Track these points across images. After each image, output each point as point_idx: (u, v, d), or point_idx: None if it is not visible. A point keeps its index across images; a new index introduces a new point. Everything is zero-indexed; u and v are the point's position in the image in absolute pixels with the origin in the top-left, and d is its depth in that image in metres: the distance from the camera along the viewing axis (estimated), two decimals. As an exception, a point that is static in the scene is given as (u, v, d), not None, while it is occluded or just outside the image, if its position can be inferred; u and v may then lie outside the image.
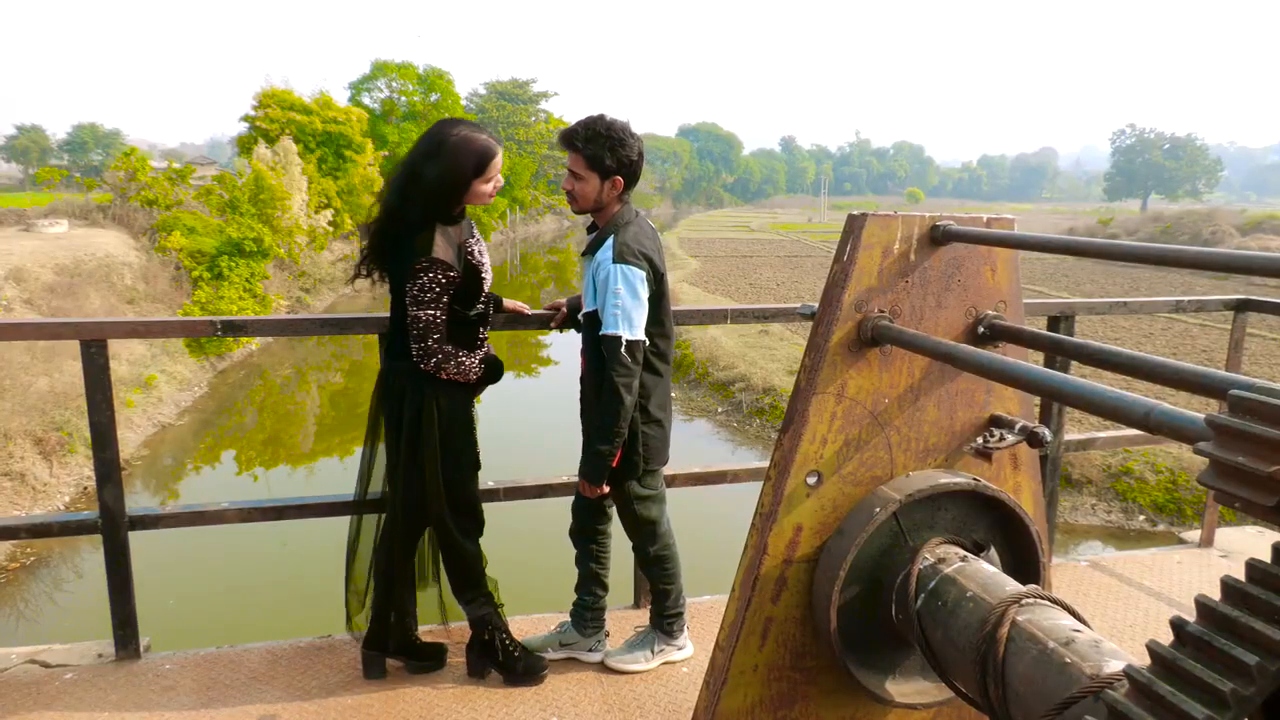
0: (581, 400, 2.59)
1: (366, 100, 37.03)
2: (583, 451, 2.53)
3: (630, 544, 2.74)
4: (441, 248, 2.32)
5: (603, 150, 2.38)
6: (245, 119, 28.55)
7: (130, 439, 11.19)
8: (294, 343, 18.23)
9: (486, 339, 2.58)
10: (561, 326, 2.78)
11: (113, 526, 2.66)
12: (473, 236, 2.46)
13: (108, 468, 2.63)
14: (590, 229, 2.56)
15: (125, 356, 12.93)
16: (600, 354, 2.41)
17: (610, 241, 2.39)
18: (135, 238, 19.52)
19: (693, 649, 2.83)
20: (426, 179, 2.33)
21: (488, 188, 2.41)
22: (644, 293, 2.39)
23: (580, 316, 2.55)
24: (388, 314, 2.52)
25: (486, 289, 2.51)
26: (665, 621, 2.76)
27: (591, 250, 2.46)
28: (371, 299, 25.54)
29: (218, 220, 20.41)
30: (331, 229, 24.98)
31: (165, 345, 14.33)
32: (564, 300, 2.80)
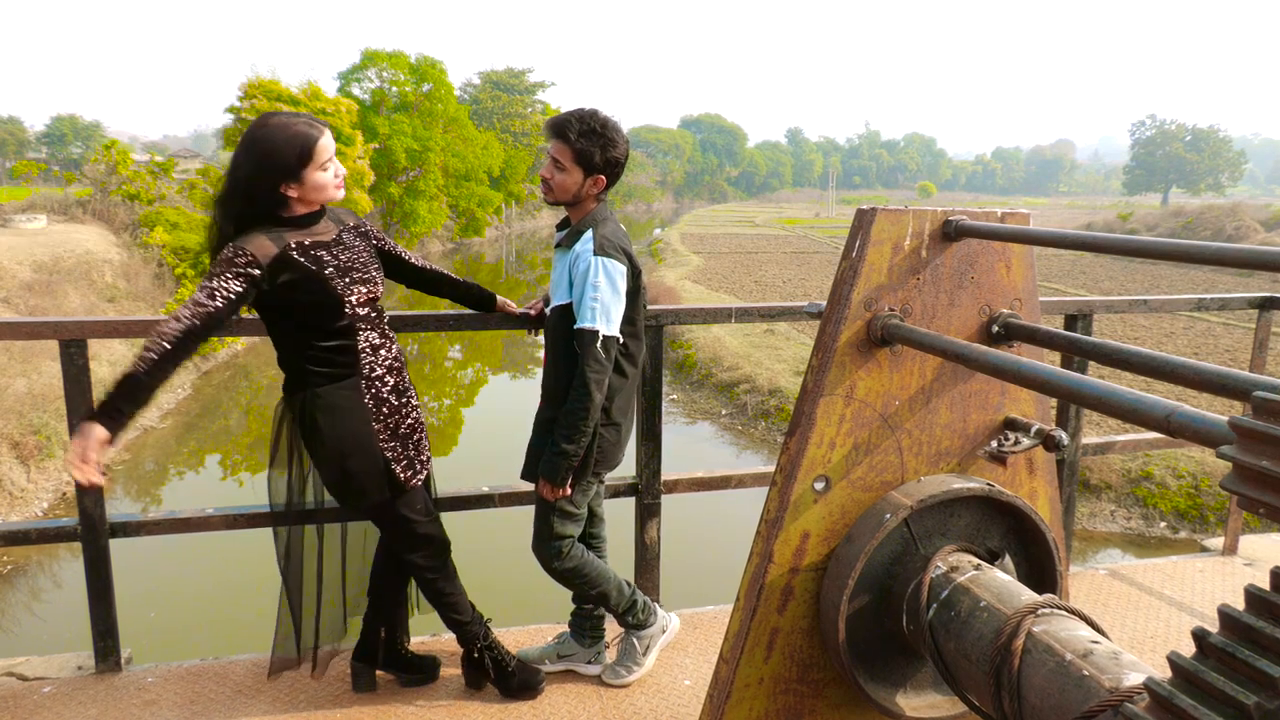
0: (544, 396, 2.56)
1: (356, 91, 37.03)
2: (528, 448, 2.54)
3: (617, 551, 2.73)
4: (251, 240, 2.17)
5: (594, 147, 2.39)
6: (230, 110, 28.54)
7: (111, 443, 11.18)
8: (281, 343, 18.21)
9: (385, 357, 2.42)
10: (537, 325, 2.79)
11: (93, 534, 2.67)
12: (336, 241, 2.31)
13: (87, 473, 2.63)
14: (561, 225, 2.58)
15: (106, 357, 12.94)
16: (570, 349, 2.42)
17: (590, 234, 2.42)
18: (116, 233, 19.55)
19: (677, 621, 2.86)
20: (242, 181, 2.19)
21: (326, 176, 2.24)
22: (623, 288, 2.42)
23: (548, 310, 2.56)
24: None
25: (352, 302, 2.31)
26: (626, 618, 2.72)
27: (568, 243, 2.47)
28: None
29: (202, 215, 20.42)
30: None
31: (147, 345, 14.32)
32: (540, 299, 2.82)
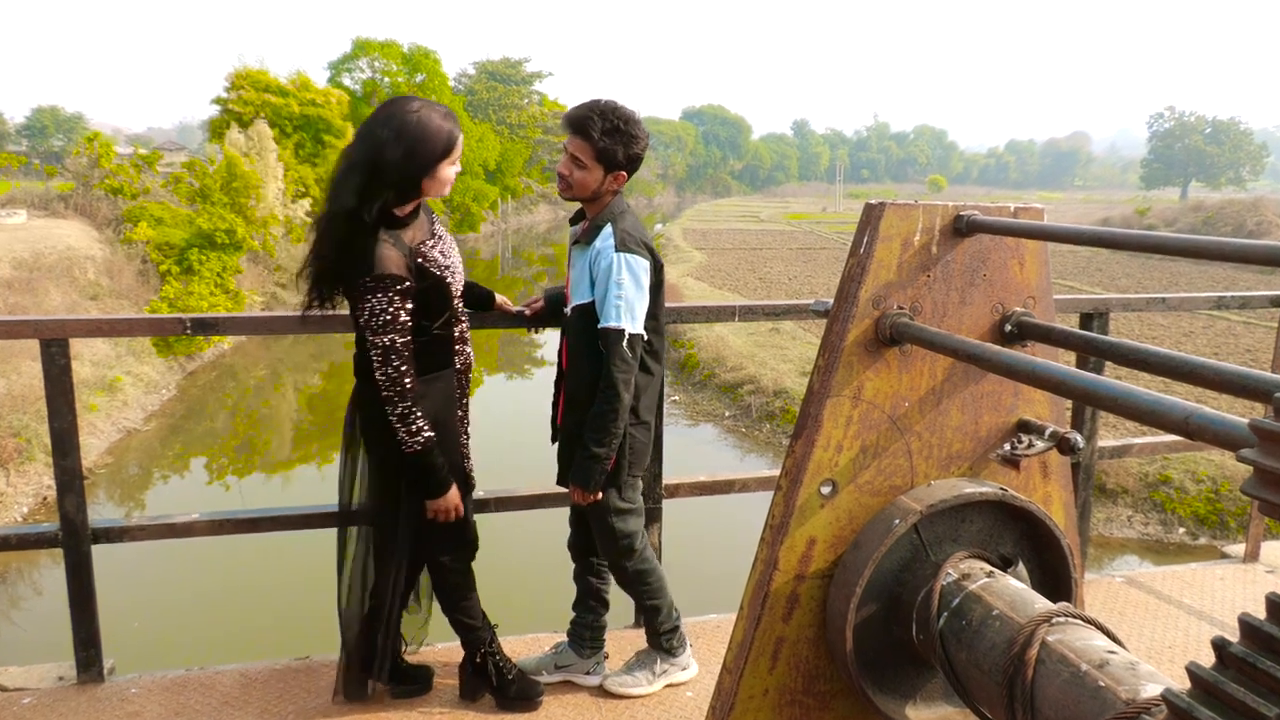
0: (564, 399, 2.57)
1: (347, 81, 37.14)
2: (559, 456, 2.56)
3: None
4: (390, 259, 2.17)
5: (617, 145, 2.40)
6: (217, 101, 28.64)
7: (93, 445, 11.20)
8: (269, 342, 18.25)
9: (467, 353, 2.51)
10: (535, 324, 2.79)
11: (74, 539, 2.67)
12: (433, 236, 2.34)
13: (69, 476, 2.63)
14: (575, 218, 2.58)
15: (88, 357, 12.95)
16: (593, 349, 2.42)
17: (610, 229, 2.42)
18: (99, 229, 19.56)
19: (697, 668, 2.84)
20: (391, 169, 2.15)
21: (453, 172, 2.28)
22: (647, 283, 2.42)
23: (566, 310, 2.55)
24: None
25: (456, 295, 2.40)
26: (663, 639, 2.75)
27: (587, 239, 2.47)
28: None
29: (187, 210, 20.45)
30: (309, 219, 25.03)
31: (131, 345, 14.34)
32: (540, 296, 2.82)
